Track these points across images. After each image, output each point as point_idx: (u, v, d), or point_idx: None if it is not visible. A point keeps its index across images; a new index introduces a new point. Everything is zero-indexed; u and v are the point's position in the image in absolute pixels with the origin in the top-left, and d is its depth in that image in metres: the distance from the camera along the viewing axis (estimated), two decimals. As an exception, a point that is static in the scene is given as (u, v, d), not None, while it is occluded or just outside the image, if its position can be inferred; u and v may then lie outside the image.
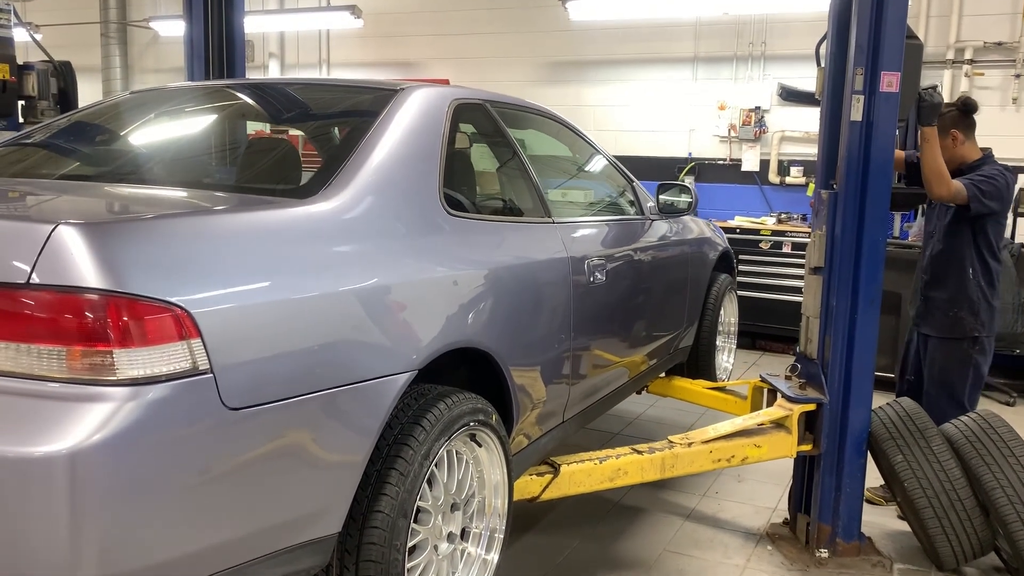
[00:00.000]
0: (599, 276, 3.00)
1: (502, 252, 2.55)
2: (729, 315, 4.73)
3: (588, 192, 3.97)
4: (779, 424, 3.34)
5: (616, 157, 3.95)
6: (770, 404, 3.57)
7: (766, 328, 6.92)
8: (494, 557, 2.40)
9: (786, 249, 6.90)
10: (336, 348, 1.86)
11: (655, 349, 3.74)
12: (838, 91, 3.23)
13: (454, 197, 2.47)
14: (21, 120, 6.90)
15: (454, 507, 2.28)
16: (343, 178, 2.11)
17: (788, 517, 3.57)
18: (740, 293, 6.72)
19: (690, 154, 7.86)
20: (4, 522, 1.46)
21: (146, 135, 2.85)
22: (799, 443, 3.31)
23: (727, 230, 7.16)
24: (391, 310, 2.02)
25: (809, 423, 3.35)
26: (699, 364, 4.38)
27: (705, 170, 7.84)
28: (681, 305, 4.03)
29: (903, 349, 4.08)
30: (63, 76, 7.15)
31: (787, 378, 3.51)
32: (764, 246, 6.98)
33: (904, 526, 3.55)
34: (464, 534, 2.35)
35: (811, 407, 3.31)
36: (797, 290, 6.68)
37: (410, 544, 2.07)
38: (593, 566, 3.18)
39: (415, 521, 2.08)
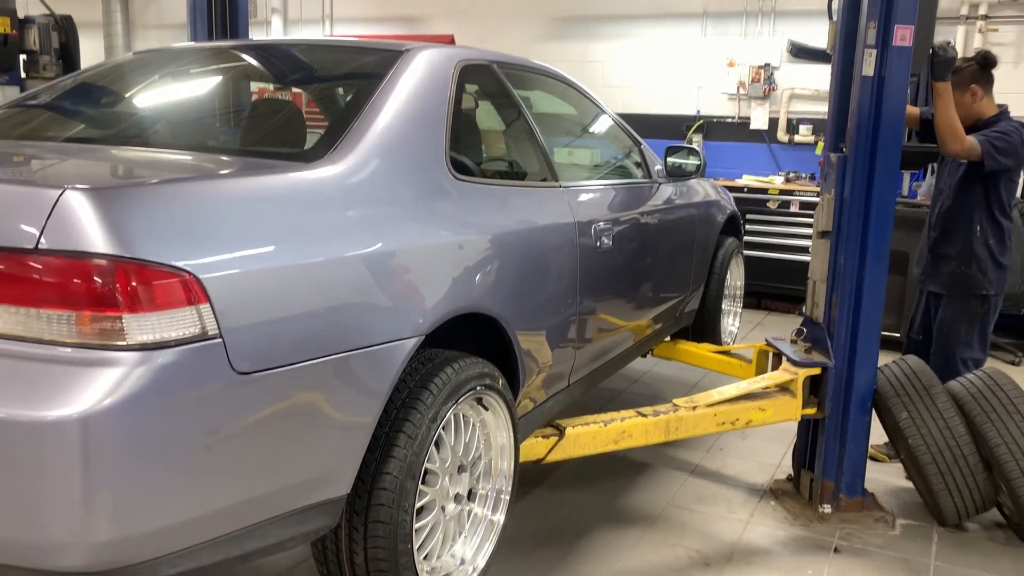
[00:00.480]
0: (606, 241, 2.98)
1: (508, 217, 2.54)
2: (735, 279, 4.72)
3: (595, 154, 3.94)
4: (784, 388, 3.35)
5: (623, 115, 3.91)
6: (775, 368, 3.58)
7: (772, 288, 6.91)
8: (500, 518, 2.43)
9: (794, 208, 6.86)
10: (343, 313, 1.86)
11: (661, 313, 3.73)
12: (850, 46, 3.18)
13: (460, 161, 2.45)
14: (23, 75, 6.85)
15: (461, 469, 2.30)
16: (348, 142, 2.10)
17: (792, 473, 3.59)
18: (747, 253, 6.69)
19: (698, 112, 7.78)
20: (18, 485, 1.48)
21: (150, 97, 2.83)
22: (803, 407, 3.33)
23: (734, 189, 7.13)
24: (398, 275, 2.02)
25: (814, 387, 3.36)
26: (704, 328, 4.38)
27: (713, 128, 7.76)
28: (687, 269, 4.02)
29: (912, 307, 4.06)
30: (64, 30, 7.09)
31: (792, 342, 3.51)
32: (772, 205, 6.94)
33: (907, 483, 3.58)
34: (471, 495, 2.37)
35: (816, 371, 3.32)
36: (804, 250, 6.65)
37: (418, 505, 2.09)
38: (598, 520, 3.21)
39: (423, 483, 2.10)
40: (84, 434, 1.44)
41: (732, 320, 4.78)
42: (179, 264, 1.55)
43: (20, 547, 1.50)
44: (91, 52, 9.19)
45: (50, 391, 1.47)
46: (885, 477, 3.71)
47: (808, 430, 3.45)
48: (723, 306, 4.52)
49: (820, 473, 3.36)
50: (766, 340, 3.68)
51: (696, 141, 7.74)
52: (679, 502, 3.41)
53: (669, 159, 3.74)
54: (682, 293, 3.98)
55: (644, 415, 3.08)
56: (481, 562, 2.36)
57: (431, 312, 2.09)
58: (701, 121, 7.75)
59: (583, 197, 3.00)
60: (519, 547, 2.90)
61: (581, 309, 2.86)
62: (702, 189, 4.21)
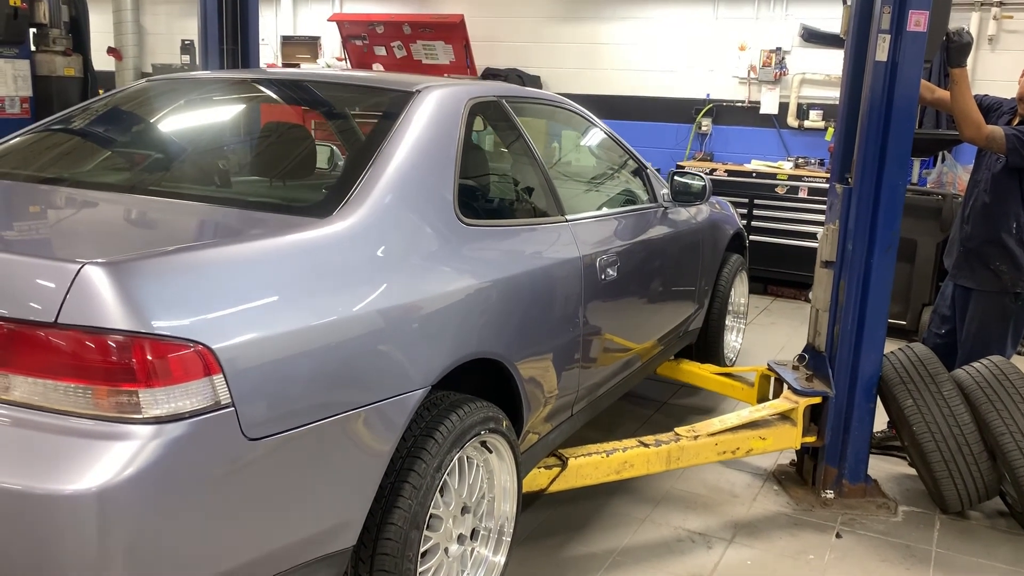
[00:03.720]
0: (611, 272, 2.97)
1: (515, 259, 2.54)
2: (739, 295, 4.70)
3: (601, 182, 3.90)
4: (784, 416, 3.37)
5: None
6: (777, 392, 3.61)
7: (779, 274, 6.90)
8: (501, 560, 2.44)
9: (802, 194, 6.83)
10: (352, 370, 1.88)
11: (665, 335, 3.72)
12: (863, 30, 3.16)
13: (468, 203, 2.45)
14: (33, 48, 6.84)
15: (464, 509, 2.31)
16: (359, 195, 2.10)
17: (795, 459, 3.60)
18: (754, 238, 6.70)
19: (708, 95, 7.74)
20: (35, 556, 1.51)
21: (161, 137, 2.82)
22: (804, 435, 3.35)
23: (743, 174, 7.12)
24: (406, 328, 2.02)
25: (814, 414, 3.38)
26: (708, 347, 4.37)
27: (723, 112, 7.72)
28: (692, 290, 4.00)
29: (936, 300, 4.00)
30: (74, 4, 7.07)
31: (794, 368, 3.53)
32: (780, 191, 6.91)
33: (910, 470, 3.59)
34: (473, 534, 2.37)
35: (817, 400, 3.33)
36: (811, 235, 6.65)
37: (422, 550, 2.11)
38: (600, 496, 3.23)
39: (427, 528, 2.11)
40: (100, 508, 1.47)
41: (736, 336, 4.76)
42: (194, 337, 1.57)
43: None
44: (100, 26, 9.17)
45: (66, 463, 1.49)
46: (888, 465, 3.72)
47: (812, 415, 3.45)
48: (727, 322, 4.51)
49: (824, 458, 3.37)
50: (768, 365, 3.69)
51: (705, 125, 7.70)
52: (682, 485, 3.43)
53: (674, 182, 3.70)
54: (686, 314, 3.96)
55: (646, 445, 3.08)
56: None
57: (438, 362, 2.10)
58: (711, 105, 7.71)
59: (588, 230, 2.98)
60: (532, 519, 2.92)
61: (586, 342, 2.86)
62: (707, 208, 4.17)
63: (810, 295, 3.50)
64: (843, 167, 3.26)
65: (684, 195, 3.70)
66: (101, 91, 7.38)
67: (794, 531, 3.15)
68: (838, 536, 3.12)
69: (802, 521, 3.22)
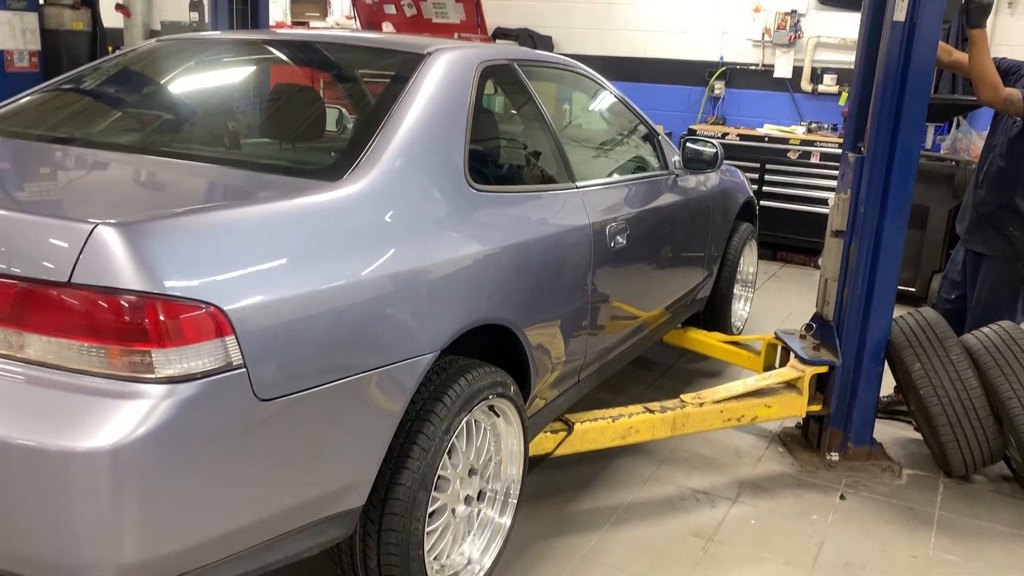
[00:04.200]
0: (620, 240, 2.96)
1: (525, 225, 2.53)
2: (748, 264, 4.68)
3: (612, 148, 3.86)
4: (790, 385, 3.38)
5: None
6: (783, 360, 3.61)
7: (788, 239, 6.87)
8: (507, 521, 2.47)
9: (814, 160, 6.77)
10: (363, 334, 1.89)
11: (673, 303, 3.72)
12: (882, -11, 3.11)
13: (479, 169, 2.44)
14: (41, 1, 6.79)
15: (472, 472, 2.33)
16: (370, 159, 2.09)
17: (801, 422, 3.62)
18: (764, 203, 6.66)
19: (721, 58, 7.65)
20: (49, 509, 1.53)
21: (172, 97, 2.80)
22: (809, 403, 3.36)
23: (755, 138, 7.06)
24: (416, 293, 2.03)
25: (820, 383, 3.39)
26: (716, 315, 4.36)
27: (736, 75, 7.64)
28: (701, 259, 3.99)
29: (946, 265, 3.98)
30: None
31: (801, 337, 3.53)
32: (792, 156, 6.86)
33: (915, 434, 3.61)
34: (480, 495, 2.40)
35: (823, 369, 3.34)
36: (822, 201, 6.60)
37: (430, 510, 2.13)
38: (606, 455, 3.26)
39: (435, 489, 2.14)
40: (114, 465, 1.49)
41: (743, 304, 4.75)
42: (206, 298, 1.58)
43: (51, 567, 1.57)
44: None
45: (81, 421, 1.51)
46: (893, 429, 3.73)
47: (818, 385, 3.46)
48: (735, 291, 4.50)
49: (829, 421, 3.39)
50: (775, 334, 3.69)
51: (718, 88, 7.63)
52: (687, 446, 3.45)
53: (686, 148, 3.67)
54: (695, 282, 3.95)
55: (652, 411, 3.10)
56: (488, 561, 2.40)
57: (448, 327, 2.11)
58: (724, 68, 7.62)
59: (598, 197, 2.96)
60: (539, 476, 2.96)
61: (594, 309, 2.86)
62: (717, 175, 4.15)
63: (820, 260, 3.50)
64: (856, 135, 3.23)
65: (696, 162, 3.67)
66: (111, 48, 7.34)
67: (798, 492, 3.17)
68: (842, 498, 3.15)
69: (806, 482, 3.25)
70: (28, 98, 2.70)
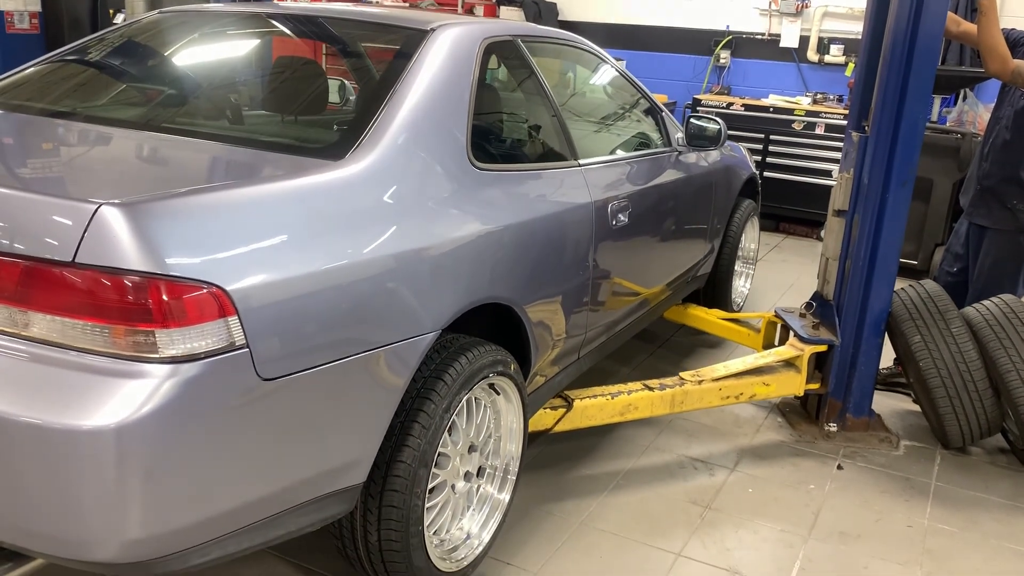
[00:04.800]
0: (622, 218, 2.95)
1: (527, 204, 2.52)
2: (749, 241, 4.66)
3: (615, 124, 3.83)
4: (789, 363, 3.38)
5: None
6: (783, 338, 3.61)
7: (792, 211, 6.85)
8: (506, 497, 2.49)
9: (819, 131, 6.73)
10: (365, 313, 1.89)
11: (674, 280, 3.71)
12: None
13: (481, 147, 2.42)
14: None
15: (471, 448, 2.35)
16: (373, 137, 2.08)
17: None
18: (768, 175, 6.63)
19: (727, 27, 7.57)
20: (56, 486, 1.55)
21: (174, 71, 2.78)
22: (807, 382, 3.37)
23: (760, 108, 7.01)
24: (418, 273, 2.03)
25: (819, 361, 3.40)
26: (716, 292, 4.36)
27: (742, 44, 7.56)
28: (703, 236, 3.98)
29: (949, 238, 3.98)
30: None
31: (801, 315, 3.53)
32: (797, 127, 6.82)
33: (914, 406, 3.63)
34: (480, 471, 2.42)
35: (822, 348, 3.35)
36: (826, 173, 6.58)
37: (430, 486, 2.15)
38: (605, 429, 3.28)
39: (435, 465, 2.16)
40: (118, 444, 1.51)
41: (744, 281, 4.74)
42: (209, 279, 1.59)
43: (59, 541, 1.59)
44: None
45: (85, 399, 1.52)
46: (892, 401, 3.75)
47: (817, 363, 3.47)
48: (736, 267, 4.49)
49: (828, 392, 3.40)
50: (775, 311, 3.69)
51: (724, 57, 7.56)
52: (687, 415, 3.47)
53: (690, 125, 3.64)
54: (696, 259, 3.95)
55: (651, 388, 3.11)
56: (486, 536, 2.43)
57: (449, 306, 2.11)
58: (730, 37, 7.55)
59: (601, 174, 2.95)
60: (538, 444, 2.98)
61: (595, 288, 2.86)
62: (719, 152, 4.12)
63: (822, 233, 3.49)
64: (860, 114, 3.21)
65: (699, 139, 3.65)
66: (111, 11, 7.27)
67: (796, 461, 3.20)
68: (839, 468, 3.17)
69: (804, 452, 3.27)
70: (29, 70, 2.68)
